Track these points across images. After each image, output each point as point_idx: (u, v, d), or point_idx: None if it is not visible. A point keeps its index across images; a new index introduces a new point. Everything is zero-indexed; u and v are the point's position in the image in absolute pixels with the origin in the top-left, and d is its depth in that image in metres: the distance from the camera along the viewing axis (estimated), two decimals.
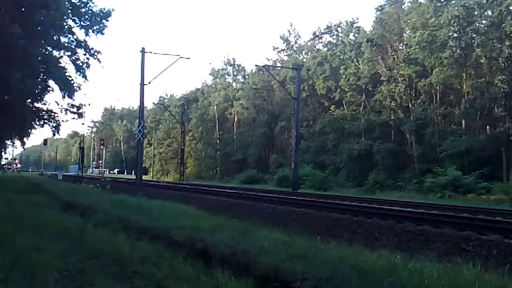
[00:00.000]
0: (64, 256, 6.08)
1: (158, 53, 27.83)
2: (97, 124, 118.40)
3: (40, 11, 18.27)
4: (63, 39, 24.61)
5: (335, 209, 13.23)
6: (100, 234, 7.90)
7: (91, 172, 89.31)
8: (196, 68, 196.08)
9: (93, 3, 24.80)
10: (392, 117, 38.66)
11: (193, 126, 69.43)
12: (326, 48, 51.51)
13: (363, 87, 41.16)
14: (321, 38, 52.98)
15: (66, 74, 23.83)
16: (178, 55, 28.71)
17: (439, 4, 32.83)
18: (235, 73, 71.24)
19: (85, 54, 25.07)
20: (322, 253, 5.62)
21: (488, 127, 33.12)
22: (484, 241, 8.05)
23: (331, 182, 36.35)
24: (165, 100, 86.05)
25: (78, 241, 7.34)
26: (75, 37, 24.98)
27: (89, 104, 71.56)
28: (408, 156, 35.89)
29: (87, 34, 24.64)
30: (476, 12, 30.90)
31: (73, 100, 25.43)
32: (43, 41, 21.61)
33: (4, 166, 65.87)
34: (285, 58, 56.85)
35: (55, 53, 24.54)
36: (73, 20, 24.00)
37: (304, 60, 52.72)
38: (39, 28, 19.60)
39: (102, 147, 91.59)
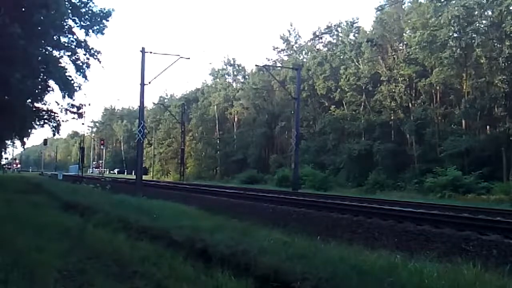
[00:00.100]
0: (64, 256, 6.08)
1: (158, 53, 27.86)
2: (97, 124, 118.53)
3: (40, 11, 18.28)
4: (63, 39, 24.67)
5: (335, 209, 13.23)
6: (100, 234, 7.90)
7: (91, 172, 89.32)
8: (196, 68, 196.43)
9: (93, 3, 24.86)
10: (392, 117, 38.66)
11: (193, 126, 69.45)
12: (326, 48, 51.53)
13: (363, 87, 41.16)
14: (321, 38, 53.06)
15: (66, 74, 23.86)
16: (178, 55, 28.76)
17: (439, 4, 32.84)
18: (235, 73, 71.33)
19: (85, 54, 25.14)
20: (322, 253, 5.62)
21: (488, 127, 33.13)
22: (484, 241, 8.05)
23: (331, 182, 36.35)
24: (165, 100, 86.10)
25: (78, 241, 7.34)
26: (75, 37, 25.05)
27: (89, 104, 71.92)
28: (408, 156, 35.89)
29: (87, 34, 24.70)
30: (476, 12, 30.90)
31: (73, 100, 25.51)
32: (43, 41, 21.62)
33: (4, 166, 65.90)
34: (285, 58, 56.91)
35: (55, 53, 24.61)
36: (73, 20, 24.04)
37: (304, 60, 52.72)
38: (39, 28, 19.61)
39: (102, 147, 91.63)
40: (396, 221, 10.41)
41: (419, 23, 33.85)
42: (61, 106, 26.21)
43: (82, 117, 27.66)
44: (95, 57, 25.12)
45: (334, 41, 50.91)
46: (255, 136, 56.60)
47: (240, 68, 70.39)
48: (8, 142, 43.56)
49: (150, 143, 74.52)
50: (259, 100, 59.60)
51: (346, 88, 42.42)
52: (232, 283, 4.83)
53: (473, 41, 30.19)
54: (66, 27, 23.65)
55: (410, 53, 35.76)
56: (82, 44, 24.97)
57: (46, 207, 13.21)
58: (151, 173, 75.40)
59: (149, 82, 27.36)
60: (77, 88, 24.84)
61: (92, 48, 25.08)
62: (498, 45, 30.10)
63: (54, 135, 31.66)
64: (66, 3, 21.39)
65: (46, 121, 27.30)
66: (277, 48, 57.45)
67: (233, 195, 19.91)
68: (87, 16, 24.12)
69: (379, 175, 33.59)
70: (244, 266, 5.41)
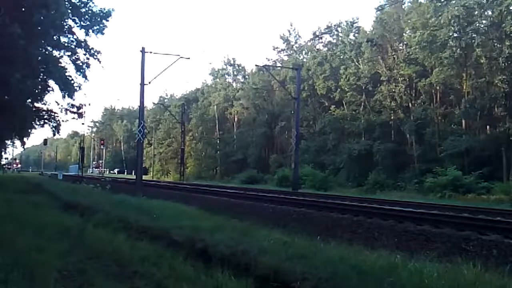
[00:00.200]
0: (64, 256, 6.08)
1: (158, 53, 27.86)
2: (97, 124, 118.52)
3: (40, 11, 18.27)
4: (63, 39, 24.65)
5: (335, 209, 13.23)
6: (100, 234, 7.90)
7: (91, 172, 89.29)
8: (196, 68, 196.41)
9: (93, 3, 24.86)
10: (392, 117, 38.66)
11: (193, 126, 69.45)
12: (326, 48, 51.53)
13: (363, 87, 41.16)
14: (321, 38, 53.05)
15: (66, 74, 23.85)
16: (178, 55, 28.77)
17: (439, 4, 32.83)
18: (235, 73, 71.31)
19: (85, 54, 25.12)
20: (322, 253, 5.62)
21: (488, 127, 33.14)
22: (484, 241, 8.05)
23: (331, 182, 36.36)
24: (165, 100, 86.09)
25: (78, 241, 7.34)
26: (75, 37, 25.03)
27: (89, 104, 72.10)
28: (408, 156, 35.89)
29: (87, 34, 24.69)
30: (476, 12, 30.90)
31: (73, 100, 25.51)
32: (43, 41, 21.61)
33: (4, 166, 65.88)
34: (285, 58, 56.91)
35: (55, 53, 24.59)
36: (73, 20, 24.02)
37: (304, 60, 52.71)
38: (39, 28, 19.60)
39: (102, 147, 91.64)
40: (396, 221, 10.40)
41: (419, 23, 33.85)
42: (61, 106, 26.25)
43: (82, 117, 27.72)
44: (95, 57, 25.14)
45: (334, 41, 50.92)
46: (255, 136, 56.60)
47: (240, 68, 70.48)
48: (8, 142, 43.58)
49: (150, 143, 74.52)
50: (259, 100, 59.59)
51: (346, 88, 42.42)
52: (232, 283, 4.83)
53: (473, 41, 30.19)
54: (66, 27, 23.64)
55: (410, 53, 35.75)
56: (82, 44, 24.99)
57: (46, 207, 13.21)
58: (151, 173, 75.40)
59: (149, 82, 27.42)
60: (77, 88, 24.87)
61: (92, 48, 25.12)
62: (498, 45, 30.10)
63: (54, 135, 31.75)
64: (66, 3, 21.39)
65: (46, 121, 27.32)
66: (277, 48, 57.56)
67: (233, 195, 19.90)
68: (87, 16, 24.11)
69: (379, 175, 33.60)
70: (244, 266, 5.41)
